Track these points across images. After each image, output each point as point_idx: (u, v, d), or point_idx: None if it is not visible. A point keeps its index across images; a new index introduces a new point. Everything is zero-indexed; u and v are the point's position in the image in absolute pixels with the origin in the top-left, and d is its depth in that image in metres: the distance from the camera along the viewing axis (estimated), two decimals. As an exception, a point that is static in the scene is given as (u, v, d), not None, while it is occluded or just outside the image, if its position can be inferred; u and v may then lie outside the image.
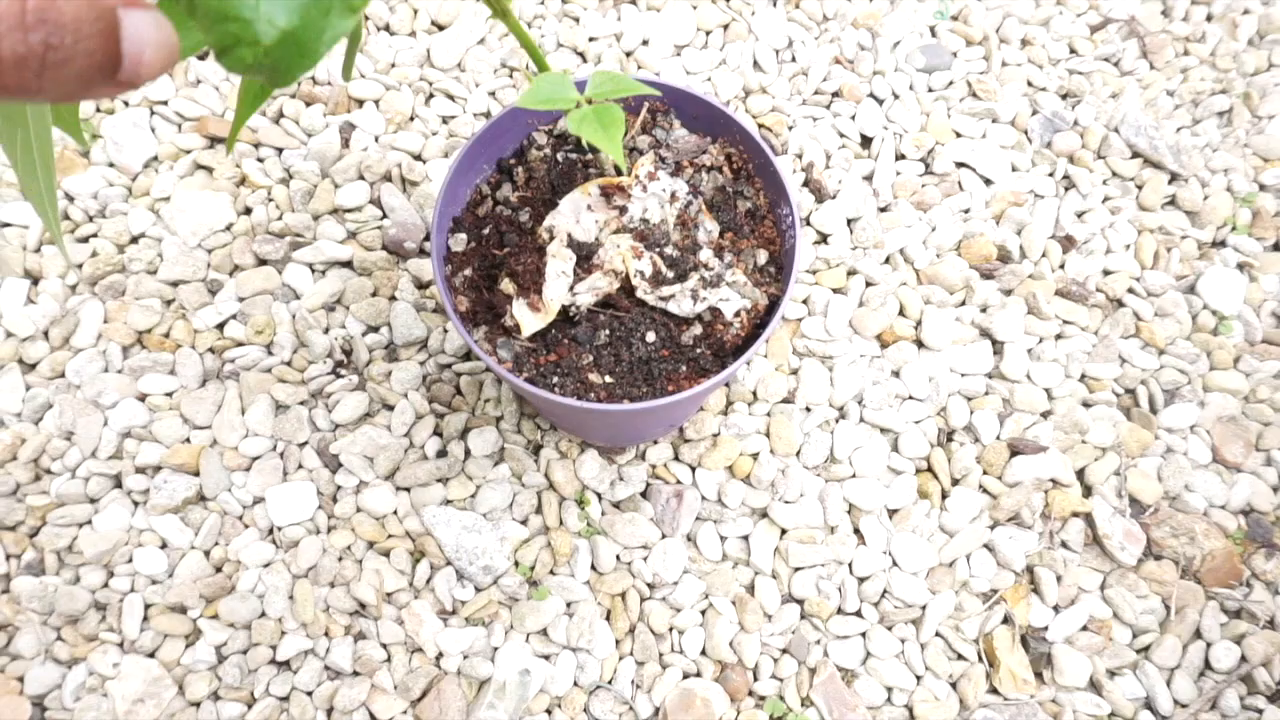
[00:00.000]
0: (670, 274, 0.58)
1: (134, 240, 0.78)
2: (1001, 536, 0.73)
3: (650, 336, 0.57)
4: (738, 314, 0.57)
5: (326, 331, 0.76)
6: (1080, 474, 0.76)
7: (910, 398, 0.78)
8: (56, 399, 0.73)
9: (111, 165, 0.80)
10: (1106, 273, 0.83)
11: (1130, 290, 0.82)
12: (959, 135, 0.88)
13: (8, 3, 0.19)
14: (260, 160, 0.81)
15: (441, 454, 0.73)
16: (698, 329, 0.57)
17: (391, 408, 0.74)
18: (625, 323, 0.57)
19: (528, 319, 0.56)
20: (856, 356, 0.78)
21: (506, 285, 0.57)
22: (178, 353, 0.75)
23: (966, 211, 0.85)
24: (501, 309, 0.56)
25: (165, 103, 0.83)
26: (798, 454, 0.75)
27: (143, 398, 0.74)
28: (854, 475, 0.75)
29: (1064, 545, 0.74)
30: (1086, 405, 0.78)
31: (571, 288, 0.58)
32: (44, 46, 0.20)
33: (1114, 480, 0.75)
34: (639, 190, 0.59)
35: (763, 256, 0.60)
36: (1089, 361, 0.79)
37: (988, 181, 0.87)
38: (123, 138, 0.80)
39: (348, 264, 0.78)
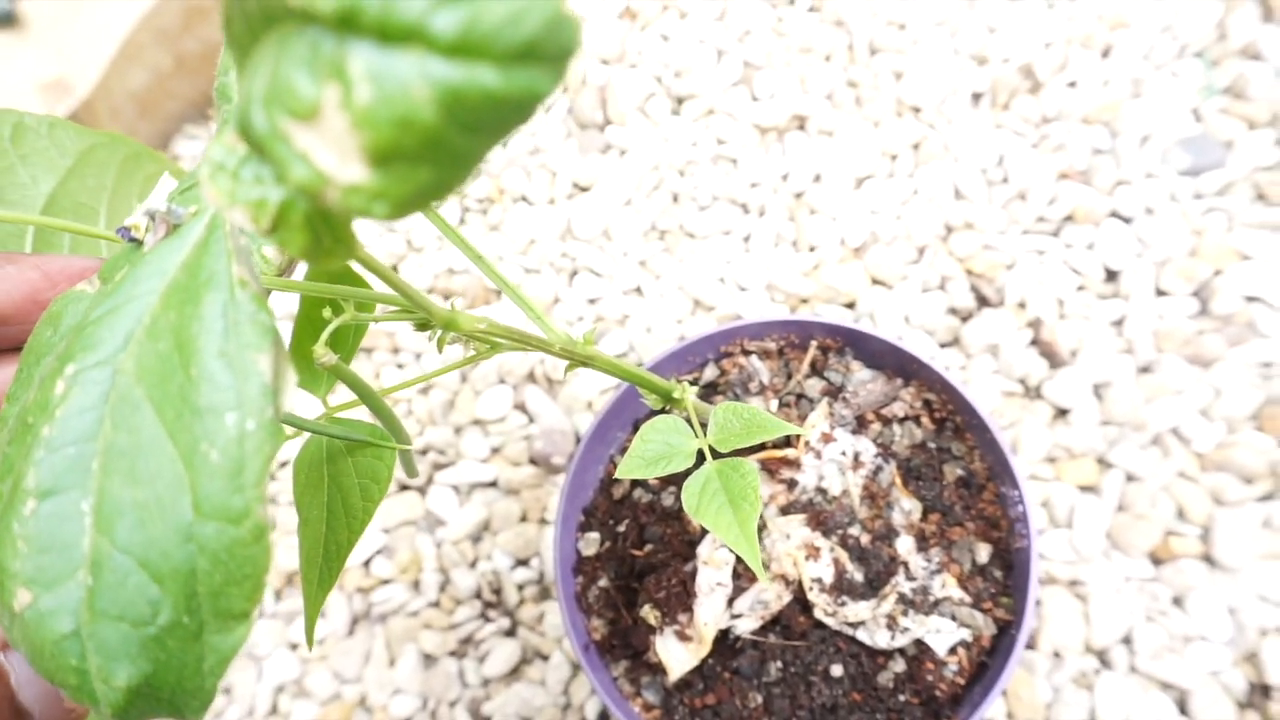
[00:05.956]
0: (859, 576, 0.44)
1: (282, 465, 0.75)
2: None
3: (836, 670, 0.44)
4: (954, 650, 0.42)
5: (474, 565, 0.68)
6: None
7: (1201, 638, 0.58)
8: (214, 650, 0.70)
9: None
10: None
11: None
12: (1245, 258, 0.67)
13: None
14: (399, 367, 0.75)
15: (605, 718, 0.63)
16: (900, 664, 0.43)
17: (546, 657, 0.65)
18: (802, 654, 0.44)
19: (677, 658, 0.44)
20: (1120, 582, 0.60)
21: (649, 613, 0.45)
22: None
23: (1267, 366, 0.64)
24: (644, 642, 0.45)
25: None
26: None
27: (294, 646, 0.69)
28: (1129, 753, 0.57)
29: None
30: None
31: (731, 601, 0.45)
32: None
33: None
34: (811, 458, 0.46)
35: (983, 552, 0.45)
36: None
37: (1293, 319, 0.65)
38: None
39: (493, 484, 0.70)
